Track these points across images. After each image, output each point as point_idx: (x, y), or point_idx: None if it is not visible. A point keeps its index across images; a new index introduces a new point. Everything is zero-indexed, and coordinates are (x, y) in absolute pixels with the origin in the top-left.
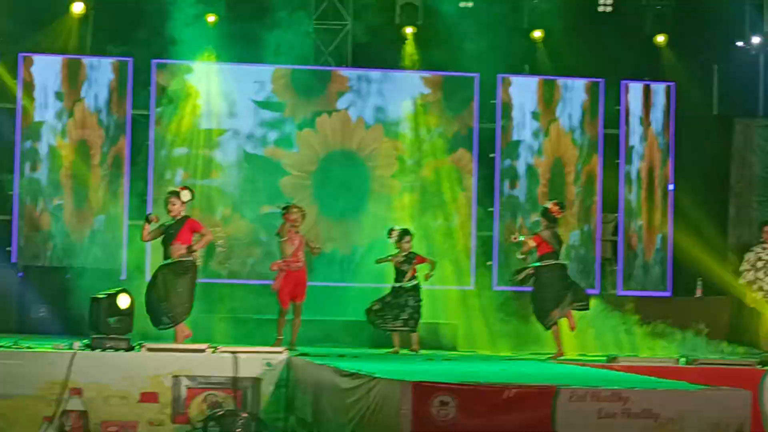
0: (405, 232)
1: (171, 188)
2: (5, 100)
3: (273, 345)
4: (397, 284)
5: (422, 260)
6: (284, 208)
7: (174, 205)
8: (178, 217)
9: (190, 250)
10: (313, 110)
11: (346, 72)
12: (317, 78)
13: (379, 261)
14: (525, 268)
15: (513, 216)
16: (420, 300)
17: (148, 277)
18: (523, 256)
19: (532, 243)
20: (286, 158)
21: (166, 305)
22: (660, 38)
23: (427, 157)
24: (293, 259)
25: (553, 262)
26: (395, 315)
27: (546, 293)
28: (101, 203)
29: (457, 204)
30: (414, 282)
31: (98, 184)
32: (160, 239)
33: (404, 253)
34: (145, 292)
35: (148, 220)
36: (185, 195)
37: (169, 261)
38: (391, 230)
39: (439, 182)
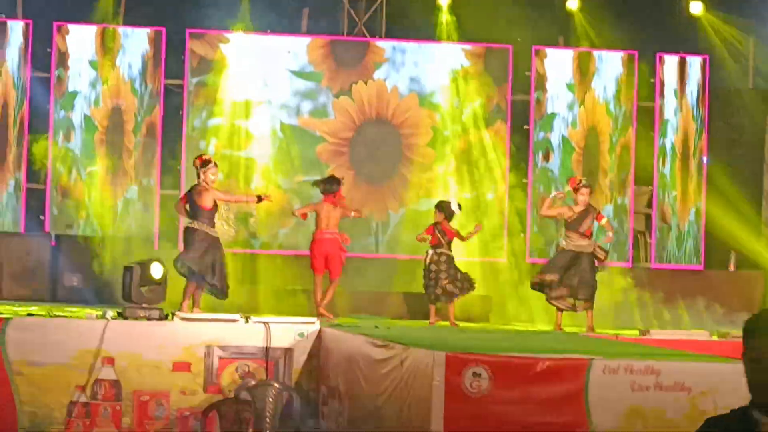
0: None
1: (206, 156)
2: (40, 69)
3: (319, 314)
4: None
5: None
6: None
7: (215, 175)
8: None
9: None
10: (351, 81)
11: (382, 43)
12: (354, 49)
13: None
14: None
15: (546, 188)
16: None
17: (180, 246)
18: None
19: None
20: (323, 126)
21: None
22: (695, 10)
23: (464, 128)
24: (323, 228)
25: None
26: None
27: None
28: (134, 172)
29: (492, 175)
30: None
31: (131, 153)
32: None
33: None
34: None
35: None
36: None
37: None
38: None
39: (474, 153)
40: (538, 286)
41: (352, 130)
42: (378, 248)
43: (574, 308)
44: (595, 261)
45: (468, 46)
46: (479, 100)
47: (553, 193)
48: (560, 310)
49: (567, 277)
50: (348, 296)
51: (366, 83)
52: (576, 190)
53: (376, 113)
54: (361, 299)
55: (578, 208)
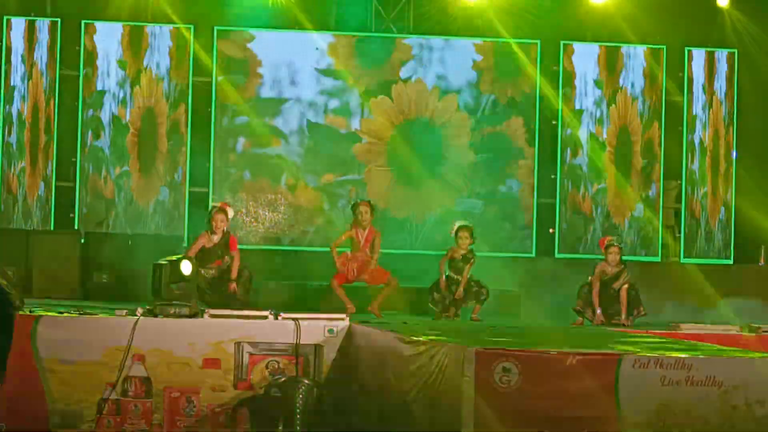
0: (463, 228)
1: (215, 204)
2: (68, 68)
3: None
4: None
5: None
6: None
7: (223, 222)
8: (222, 234)
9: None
10: (378, 79)
11: (408, 40)
12: (381, 46)
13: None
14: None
15: (575, 185)
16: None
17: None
18: None
19: None
20: (361, 125)
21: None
22: (723, 4)
23: (491, 124)
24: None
25: None
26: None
27: None
28: (163, 170)
29: (518, 170)
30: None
31: (161, 151)
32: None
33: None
34: None
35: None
36: (231, 212)
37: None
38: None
39: (503, 149)
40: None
41: (390, 129)
42: (413, 245)
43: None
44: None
45: (495, 41)
46: (507, 96)
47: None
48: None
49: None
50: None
51: (405, 83)
52: (604, 248)
53: (415, 113)
54: (394, 296)
55: (611, 269)
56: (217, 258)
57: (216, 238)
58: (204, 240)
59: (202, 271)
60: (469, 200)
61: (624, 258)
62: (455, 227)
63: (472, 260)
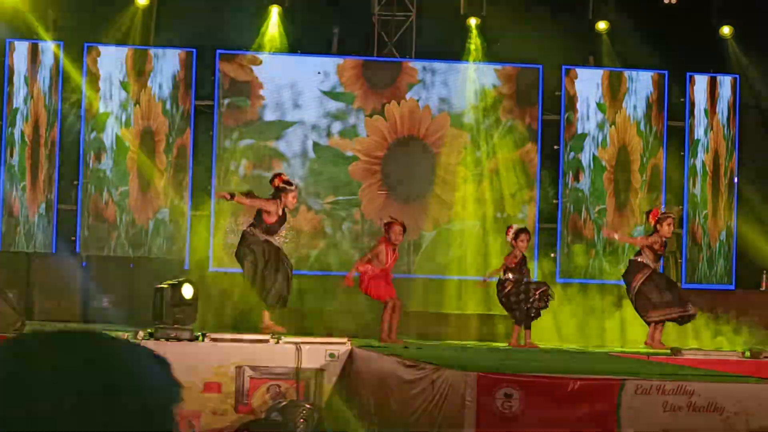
0: (521, 231)
1: (289, 181)
2: (71, 90)
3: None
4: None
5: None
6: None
7: (295, 199)
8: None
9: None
10: (383, 102)
11: (413, 63)
12: (387, 70)
13: (489, 274)
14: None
15: (577, 209)
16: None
17: (211, 267)
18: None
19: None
20: (356, 144)
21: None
22: (725, 30)
23: (494, 148)
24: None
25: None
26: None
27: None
28: (165, 193)
29: (522, 195)
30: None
31: (163, 174)
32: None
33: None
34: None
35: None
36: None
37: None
38: (508, 228)
39: (504, 173)
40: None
41: (385, 148)
42: (410, 268)
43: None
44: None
45: (498, 66)
46: (509, 120)
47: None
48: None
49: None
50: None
51: (399, 103)
52: (659, 221)
53: (408, 132)
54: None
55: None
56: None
57: (285, 211)
58: (274, 207)
59: (274, 238)
60: (468, 221)
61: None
62: (513, 230)
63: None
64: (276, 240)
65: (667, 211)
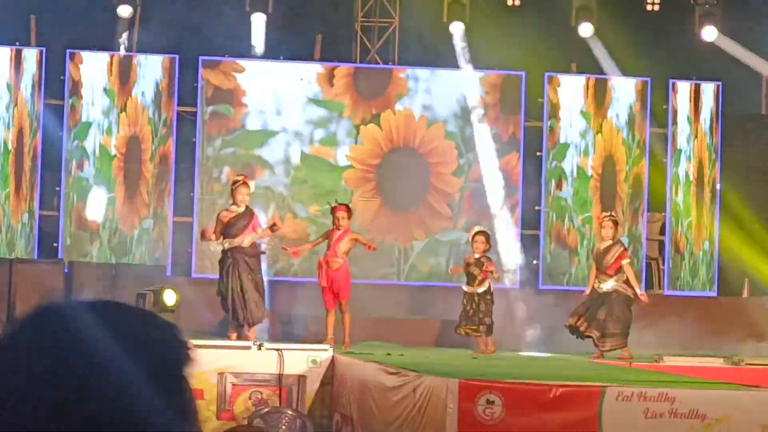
0: (479, 233)
1: (237, 177)
2: (53, 97)
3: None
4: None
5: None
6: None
7: (247, 195)
8: (245, 208)
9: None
10: (372, 111)
11: (403, 74)
12: (376, 79)
13: (453, 270)
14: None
15: (560, 218)
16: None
17: (193, 274)
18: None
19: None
20: (350, 152)
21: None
22: (709, 37)
23: (477, 156)
24: (330, 253)
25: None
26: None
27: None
28: (148, 200)
29: (505, 203)
30: (485, 287)
31: (146, 181)
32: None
33: (477, 255)
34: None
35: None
36: (252, 186)
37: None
38: (469, 229)
39: (488, 181)
40: (570, 329)
41: (379, 157)
42: (399, 276)
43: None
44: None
45: (481, 73)
46: (493, 128)
47: None
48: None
49: (595, 316)
50: (366, 323)
51: (394, 112)
52: (600, 223)
53: (403, 141)
54: (380, 326)
55: (603, 244)
56: (244, 227)
57: (238, 209)
58: (224, 216)
59: (229, 242)
60: (456, 232)
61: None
62: (472, 232)
63: (489, 270)
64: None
65: (606, 214)
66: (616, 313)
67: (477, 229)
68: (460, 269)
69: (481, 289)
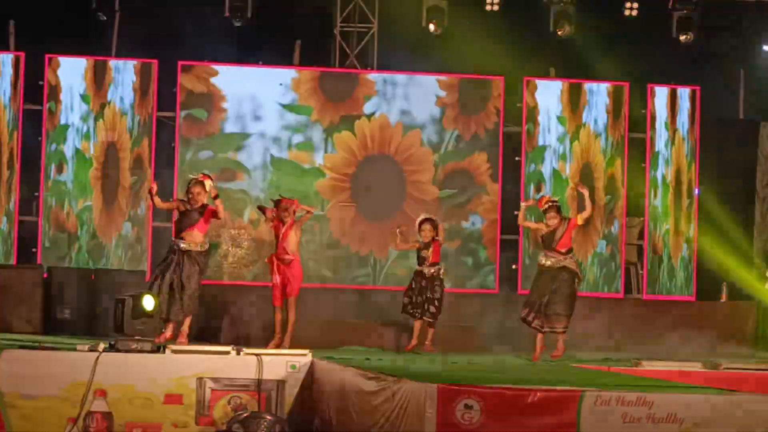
0: (425, 221)
1: (193, 176)
2: (31, 102)
3: (269, 345)
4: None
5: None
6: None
7: (200, 195)
8: (200, 206)
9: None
10: (340, 114)
11: (372, 75)
12: (344, 81)
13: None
14: None
15: (538, 220)
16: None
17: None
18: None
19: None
20: (324, 161)
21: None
22: (686, 42)
23: (448, 160)
24: (279, 250)
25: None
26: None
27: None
28: (126, 205)
29: (482, 207)
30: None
31: (126, 186)
32: (170, 215)
33: (425, 241)
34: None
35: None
36: (209, 184)
37: (187, 246)
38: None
39: (466, 184)
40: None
41: (354, 165)
42: (375, 281)
43: (549, 329)
44: (576, 278)
45: (459, 78)
46: (470, 132)
47: (522, 203)
48: (540, 331)
49: (544, 301)
50: (341, 328)
51: (369, 119)
52: (544, 212)
53: (378, 149)
54: (356, 331)
55: (550, 227)
56: (193, 222)
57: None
58: (178, 204)
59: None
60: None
61: (585, 291)
62: (418, 220)
63: (435, 241)
64: (184, 241)
65: (548, 198)
66: (564, 293)
67: (423, 216)
68: (405, 246)
69: (431, 269)
